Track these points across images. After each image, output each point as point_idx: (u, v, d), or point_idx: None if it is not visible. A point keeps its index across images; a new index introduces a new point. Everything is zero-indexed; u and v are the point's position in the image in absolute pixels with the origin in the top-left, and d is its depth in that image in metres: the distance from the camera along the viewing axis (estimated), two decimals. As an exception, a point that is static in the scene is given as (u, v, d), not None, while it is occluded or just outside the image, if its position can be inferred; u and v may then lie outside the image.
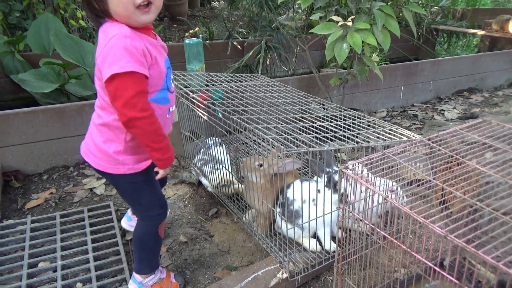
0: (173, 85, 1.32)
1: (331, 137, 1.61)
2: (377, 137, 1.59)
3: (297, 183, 1.63)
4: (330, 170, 1.62)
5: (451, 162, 1.30)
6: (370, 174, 1.22)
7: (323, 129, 1.66)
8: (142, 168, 1.27)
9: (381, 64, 3.61)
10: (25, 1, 3.82)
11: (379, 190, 1.16)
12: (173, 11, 5.95)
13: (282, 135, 1.52)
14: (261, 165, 1.66)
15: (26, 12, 3.84)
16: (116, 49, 1.06)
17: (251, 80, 2.35)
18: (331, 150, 1.51)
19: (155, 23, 4.56)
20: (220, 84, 2.21)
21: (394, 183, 1.32)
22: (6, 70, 3.19)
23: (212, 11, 6.57)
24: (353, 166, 1.16)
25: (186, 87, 2.11)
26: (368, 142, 1.55)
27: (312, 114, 1.91)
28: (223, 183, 1.98)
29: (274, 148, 1.64)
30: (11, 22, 3.79)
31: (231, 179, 2.00)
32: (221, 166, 2.02)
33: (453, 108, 3.47)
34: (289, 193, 1.60)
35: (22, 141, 2.24)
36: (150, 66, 1.14)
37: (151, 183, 1.33)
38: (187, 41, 2.50)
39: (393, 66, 3.45)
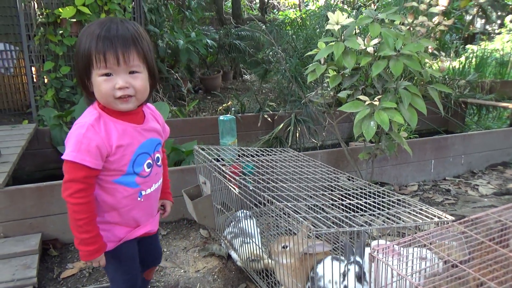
0: (147, 170, 1.32)
1: (361, 215, 1.63)
2: (408, 217, 1.58)
3: (328, 260, 1.61)
4: (360, 261, 1.58)
5: (486, 246, 1.27)
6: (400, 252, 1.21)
7: (352, 206, 1.68)
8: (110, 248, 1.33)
9: (410, 138, 3.65)
10: (75, 78, 4.22)
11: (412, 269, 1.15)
12: (207, 84, 6.36)
13: (311, 213, 1.55)
14: (285, 247, 1.67)
15: (75, 88, 4.23)
16: (70, 136, 1.21)
17: (281, 154, 2.43)
18: (364, 231, 1.52)
19: (192, 97, 4.87)
20: (251, 158, 2.30)
21: (428, 251, 1.30)
22: (54, 141, 3.45)
23: (244, 83, 6.96)
24: (383, 250, 1.16)
25: (218, 160, 2.21)
26: (399, 221, 1.55)
27: (341, 190, 1.94)
28: (252, 257, 1.99)
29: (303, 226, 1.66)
30: (61, 97, 4.17)
31: (260, 253, 2.00)
32: (250, 240, 2.04)
33: (487, 183, 3.38)
34: (319, 269, 1.59)
35: (63, 210, 2.36)
36: (108, 154, 1.22)
37: (119, 258, 1.37)
38: (221, 117, 2.66)
39: (422, 140, 3.48)
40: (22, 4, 4.01)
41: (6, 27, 4.53)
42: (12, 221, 2.28)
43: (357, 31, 2.40)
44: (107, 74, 1.17)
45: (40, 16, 4.01)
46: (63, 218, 2.37)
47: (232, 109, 4.23)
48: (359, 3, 6.70)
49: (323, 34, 4.25)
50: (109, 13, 4.19)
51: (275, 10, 11.13)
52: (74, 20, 4.03)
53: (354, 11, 5.67)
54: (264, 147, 3.18)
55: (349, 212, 1.61)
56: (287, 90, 4.49)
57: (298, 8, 10.98)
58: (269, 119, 4.18)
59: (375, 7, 5.68)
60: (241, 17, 8.07)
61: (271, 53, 5.83)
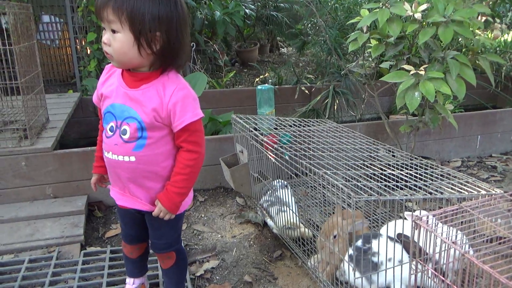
0: (109, 132, 1.30)
1: (401, 186, 1.58)
2: (452, 189, 1.53)
3: (387, 240, 1.56)
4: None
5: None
6: (445, 227, 1.18)
7: (392, 177, 1.64)
8: None
9: (455, 112, 3.48)
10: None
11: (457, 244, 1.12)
12: (244, 57, 6.32)
13: (350, 181, 1.53)
14: (335, 236, 1.67)
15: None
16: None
17: (318, 125, 2.40)
18: (402, 200, 1.48)
19: (228, 69, 4.86)
20: (289, 128, 2.29)
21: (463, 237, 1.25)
22: (97, 109, 3.58)
23: (280, 57, 6.85)
24: (427, 218, 1.13)
25: (256, 129, 2.22)
26: (442, 193, 1.50)
27: (381, 161, 1.89)
28: (288, 225, 2.00)
29: (345, 196, 1.64)
30: (103, 67, 4.28)
31: (296, 222, 2.01)
32: (287, 208, 2.06)
33: (538, 160, 3.20)
34: (374, 245, 1.55)
35: (107, 174, 2.47)
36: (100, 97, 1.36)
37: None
38: (259, 87, 2.64)
39: (468, 115, 3.31)
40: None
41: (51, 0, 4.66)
42: (61, 183, 2.41)
43: (404, -4, 2.27)
44: (104, 29, 1.21)
45: (83, -14, 4.08)
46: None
47: (270, 80, 4.19)
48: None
49: (367, 1, 4.08)
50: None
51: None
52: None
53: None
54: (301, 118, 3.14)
55: (390, 183, 1.58)
56: (325, 62, 4.38)
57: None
58: (307, 91, 4.11)
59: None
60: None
61: (309, 24, 5.69)
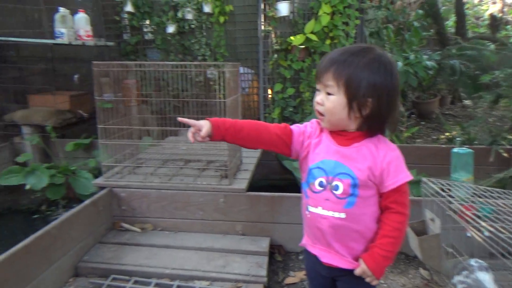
0: (317, 187, 1.33)
1: None
2: None
3: None
4: None
5: None
6: None
7: None
8: None
9: None
10: (298, 99, 4.63)
11: None
12: (421, 108, 5.98)
13: None
14: None
15: (297, 108, 4.64)
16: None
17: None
18: None
19: (409, 122, 4.65)
20: (489, 199, 2.01)
21: None
22: (279, 155, 3.87)
23: (464, 109, 6.23)
24: None
25: (451, 197, 2.02)
26: None
27: None
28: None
29: None
30: (285, 115, 4.64)
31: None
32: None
33: None
34: None
35: (288, 220, 2.60)
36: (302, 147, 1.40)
37: None
38: (455, 150, 2.44)
39: None
40: (262, 34, 4.68)
41: (247, 54, 5.35)
42: (249, 222, 2.64)
43: None
44: (318, 90, 1.33)
45: (275, 44, 4.58)
46: (288, 228, 2.60)
47: (457, 139, 3.82)
48: None
49: None
50: (333, 39, 4.44)
51: (508, 27, 9.61)
52: (303, 46, 4.44)
53: None
54: (497, 186, 2.74)
55: None
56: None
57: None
58: (505, 154, 3.58)
59: None
60: (466, 36, 7.29)
61: (502, 75, 5.03)
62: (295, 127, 1.43)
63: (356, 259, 1.34)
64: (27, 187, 3.32)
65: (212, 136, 1.38)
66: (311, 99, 4.57)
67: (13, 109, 4.09)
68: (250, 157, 3.32)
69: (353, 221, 1.31)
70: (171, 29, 4.80)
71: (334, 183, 1.31)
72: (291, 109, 4.62)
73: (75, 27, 3.88)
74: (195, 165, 3.11)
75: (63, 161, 3.82)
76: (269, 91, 4.81)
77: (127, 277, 2.25)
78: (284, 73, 4.57)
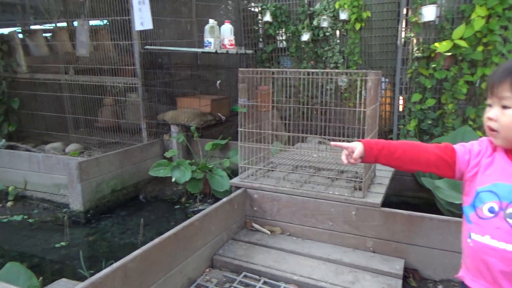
0: (485, 213, 1.17)
1: None
2: None
3: None
4: None
5: None
6: None
7: None
8: None
9: None
10: (439, 111, 4.23)
11: None
12: None
13: None
14: None
15: (437, 120, 4.24)
16: None
17: None
18: None
19: None
20: None
21: None
22: (417, 174, 3.59)
23: None
24: None
25: None
26: None
27: None
28: None
29: None
30: (422, 128, 4.29)
31: None
32: None
33: None
34: None
35: (427, 244, 2.36)
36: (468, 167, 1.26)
37: None
38: None
39: None
40: (402, 41, 4.41)
41: (382, 61, 5.11)
42: (381, 240, 2.49)
43: None
44: (489, 105, 1.19)
45: (417, 51, 4.26)
46: (426, 252, 2.37)
47: None
48: None
49: None
50: (487, 45, 3.93)
51: None
52: (449, 54, 4.04)
53: None
54: None
55: None
56: None
57: None
58: None
59: None
60: None
61: None
62: (458, 146, 1.31)
63: None
64: (173, 179, 3.71)
65: (365, 157, 1.37)
66: (454, 111, 4.16)
67: (163, 110, 4.64)
68: (385, 170, 3.14)
69: None
70: (305, 37, 4.86)
71: (509, 210, 1.14)
72: (429, 122, 4.24)
73: (221, 36, 4.22)
74: (326, 173, 3.07)
75: (202, 159, 4.19)
76: (401, 101, 4.51)
77: (257, 277, 2.33)
78: (424, 82, 4.23)
